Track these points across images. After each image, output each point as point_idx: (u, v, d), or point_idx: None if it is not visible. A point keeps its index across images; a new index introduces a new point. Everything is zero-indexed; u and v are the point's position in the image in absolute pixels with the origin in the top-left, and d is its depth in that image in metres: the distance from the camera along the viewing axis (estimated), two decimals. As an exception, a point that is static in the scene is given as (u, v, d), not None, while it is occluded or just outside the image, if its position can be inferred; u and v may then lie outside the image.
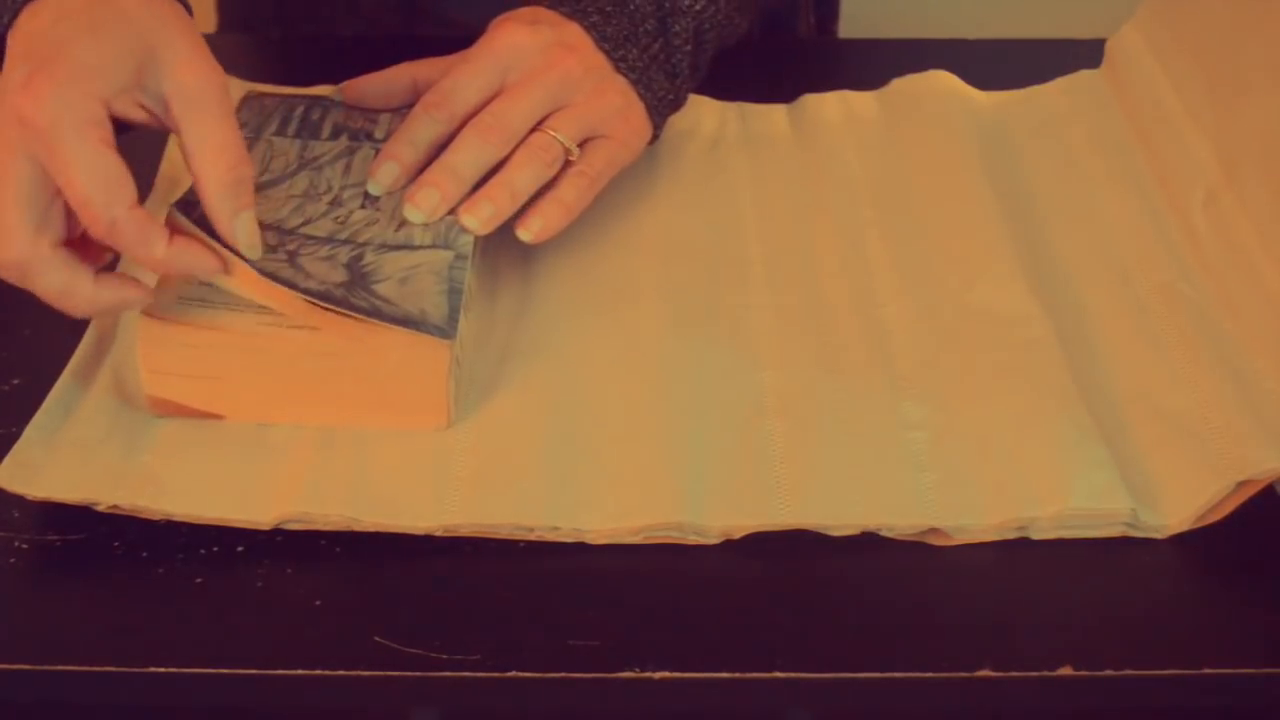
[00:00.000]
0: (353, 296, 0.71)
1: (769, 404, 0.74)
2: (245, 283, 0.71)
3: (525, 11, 0.84)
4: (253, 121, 0.82)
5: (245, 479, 0.70)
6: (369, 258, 0.74)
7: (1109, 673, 0.63)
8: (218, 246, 0.71)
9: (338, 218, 0.76)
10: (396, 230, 0.76)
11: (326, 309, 0.71)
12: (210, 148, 0.69)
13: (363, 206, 0.77)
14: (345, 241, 0.75)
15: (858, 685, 0.63)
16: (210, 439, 0.72)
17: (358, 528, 0.68)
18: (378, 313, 0.71)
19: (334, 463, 0.71)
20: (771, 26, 1.12)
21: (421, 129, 0.79)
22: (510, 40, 0.81)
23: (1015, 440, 0.72)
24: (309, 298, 0.71)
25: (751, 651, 0.64)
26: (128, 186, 0.67)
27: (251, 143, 0.80)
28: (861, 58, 1.04)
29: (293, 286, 0.71)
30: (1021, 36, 1.05)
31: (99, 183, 0.66)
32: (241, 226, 0.71)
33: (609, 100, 0.83)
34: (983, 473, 0.71)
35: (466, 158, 0.78)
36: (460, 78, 0.80)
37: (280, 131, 0.82)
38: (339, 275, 0.73)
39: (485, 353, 0.77)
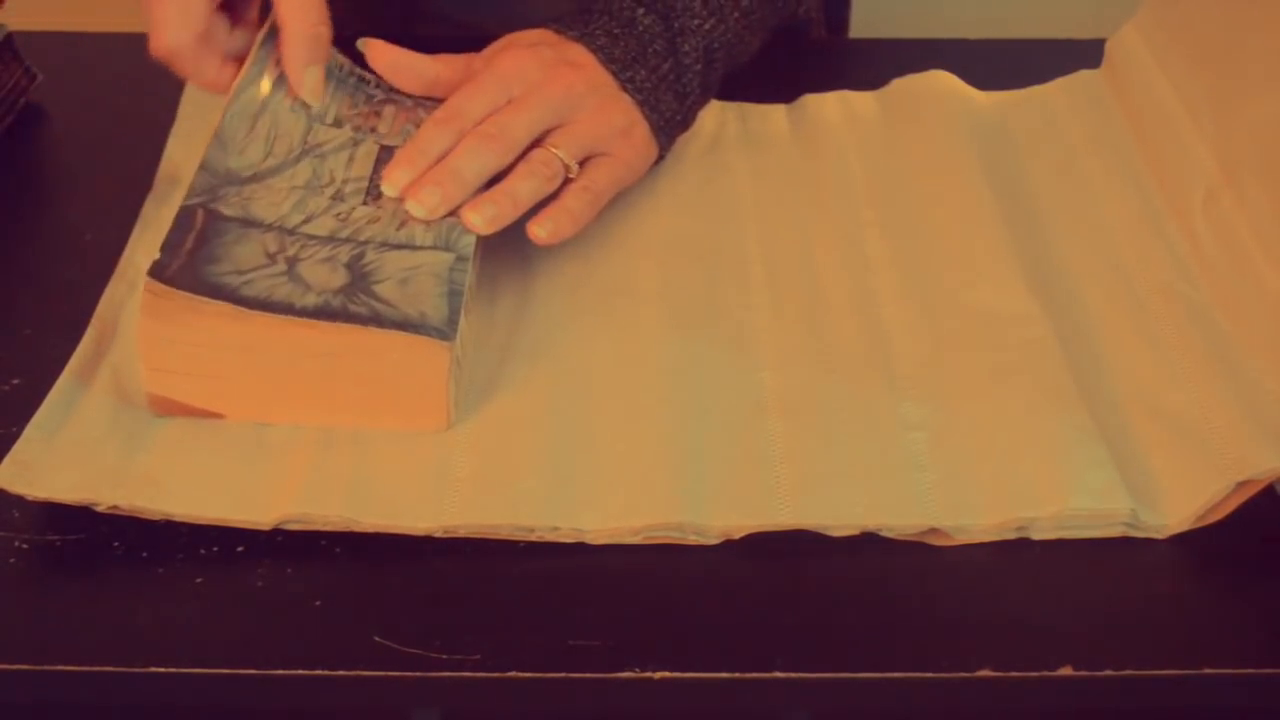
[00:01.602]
0: (352, 303, 0.71)
1: (769, 404, 0.74)
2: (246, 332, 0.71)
3: (530, 34, 0.85)
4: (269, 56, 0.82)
5: (245, 480, 0.70)
6: (370, 256, 0.74)
7: (1109, 673, 0.63)
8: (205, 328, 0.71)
9: (339, 214, 0.76)
10: (398, 229, 0.76)
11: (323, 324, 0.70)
12: (298, 5, 0.81)
13: (364, 203, 0.77)
14: (346, 240, 0.74)
15: (858, 685, 0.63)
16: (210, 439, 0.72)
17: (357, 528, 0.68)
18: (377, 318, 0.71)
19: (333, 463, 0.71)
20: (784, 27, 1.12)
21: (431, 142, 0.80)
22: (514, 63, 0.82)
23: (1015, 440, 0.72)
24: (304, 318, 0.70)
25: (751, 651, 0.64)
26: (193, 19, 0.79)
27: (259, 112, 0.80)
28: (863, 58, 1.03)
29: (288, 308, 0.70)
30: (1022, 36, 1.04)
31: (169, 14, 0.79)
32: (309, 78, 0.81)
33: (611, 119, 0.83)
34: (982, 473, 0.70)
35: (468, 161, 0.78)
36: (466, 96, 0.81)
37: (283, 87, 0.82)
38: (339, 278, 0.72)
39: (485, 353, 0.77)
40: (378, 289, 0.72)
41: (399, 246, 0.75)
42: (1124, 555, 0.68)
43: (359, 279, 0.72)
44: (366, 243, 0.75)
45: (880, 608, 0.66)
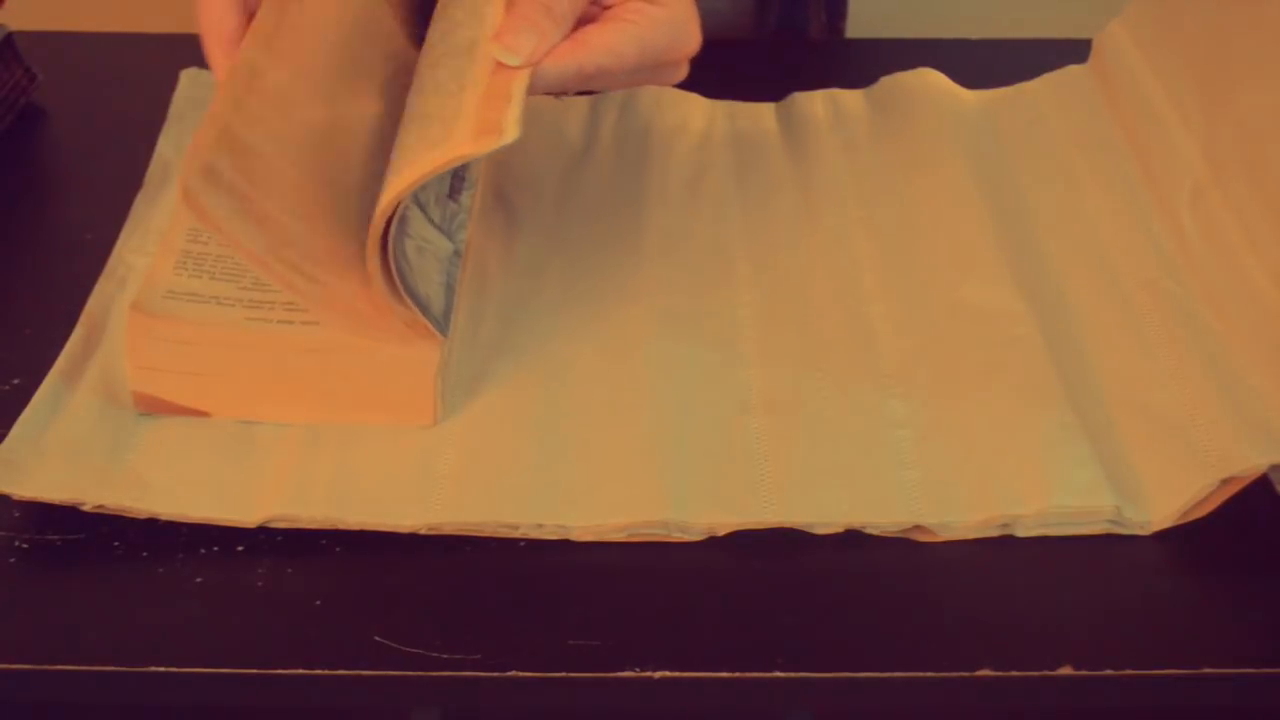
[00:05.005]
0: (394, 242, 0.67)
1: (754, 401, 0.72)
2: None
3: None
4: None
5: (230, 478, 0.68)
6: (404, 200, 0.71)
7: (1109, 673, 0.61)
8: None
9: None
10: (421, 189, 0.72)
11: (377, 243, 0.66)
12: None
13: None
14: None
15: (858, 685, 0.62)
16: (196, 438, 0.69)
17: (342, 526, 0.66)
18: (401, 275, 0.67)
19: (319, 461, 0.68)
20: (784, 25, 1.09)
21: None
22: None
23: (999, 438, 0.70)
24: (383, 217, 0.66)
25: (751, 651, 0.62)
26: None
27: None
28: (859, 58, 1.02)
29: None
30: (1014, 36, 1.02)
31: None
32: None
33: None
34: (967, 470, 0.69)
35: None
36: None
37: None
38: None
39: (471, 349, 0.74)
40: (405, 242, 0.69)
41: (419, 206, 0.72)
42: (1124, 554, 0.67)
43: (399, 219, 0.68)
44: None
45: (880, 607, 0.64)
